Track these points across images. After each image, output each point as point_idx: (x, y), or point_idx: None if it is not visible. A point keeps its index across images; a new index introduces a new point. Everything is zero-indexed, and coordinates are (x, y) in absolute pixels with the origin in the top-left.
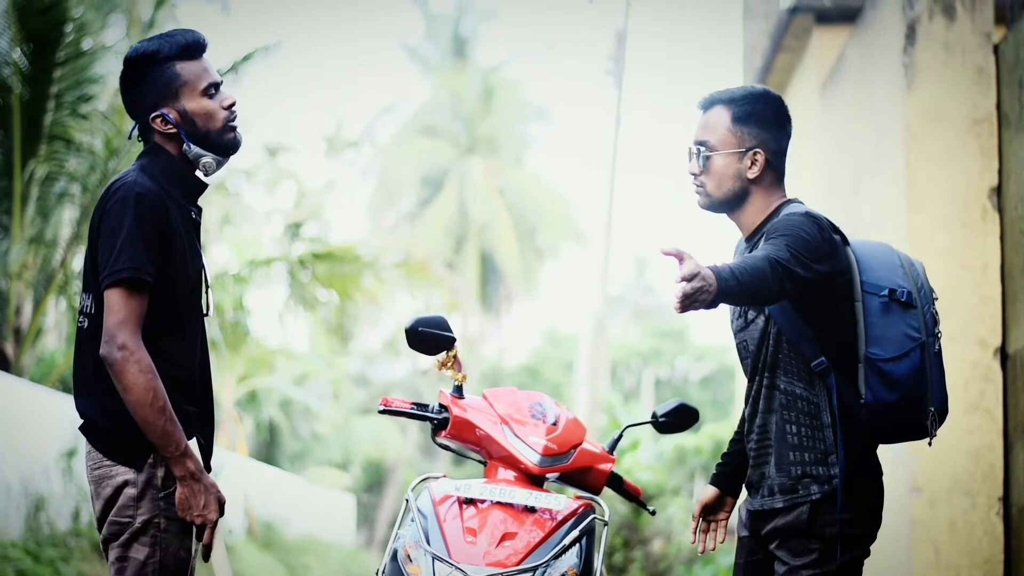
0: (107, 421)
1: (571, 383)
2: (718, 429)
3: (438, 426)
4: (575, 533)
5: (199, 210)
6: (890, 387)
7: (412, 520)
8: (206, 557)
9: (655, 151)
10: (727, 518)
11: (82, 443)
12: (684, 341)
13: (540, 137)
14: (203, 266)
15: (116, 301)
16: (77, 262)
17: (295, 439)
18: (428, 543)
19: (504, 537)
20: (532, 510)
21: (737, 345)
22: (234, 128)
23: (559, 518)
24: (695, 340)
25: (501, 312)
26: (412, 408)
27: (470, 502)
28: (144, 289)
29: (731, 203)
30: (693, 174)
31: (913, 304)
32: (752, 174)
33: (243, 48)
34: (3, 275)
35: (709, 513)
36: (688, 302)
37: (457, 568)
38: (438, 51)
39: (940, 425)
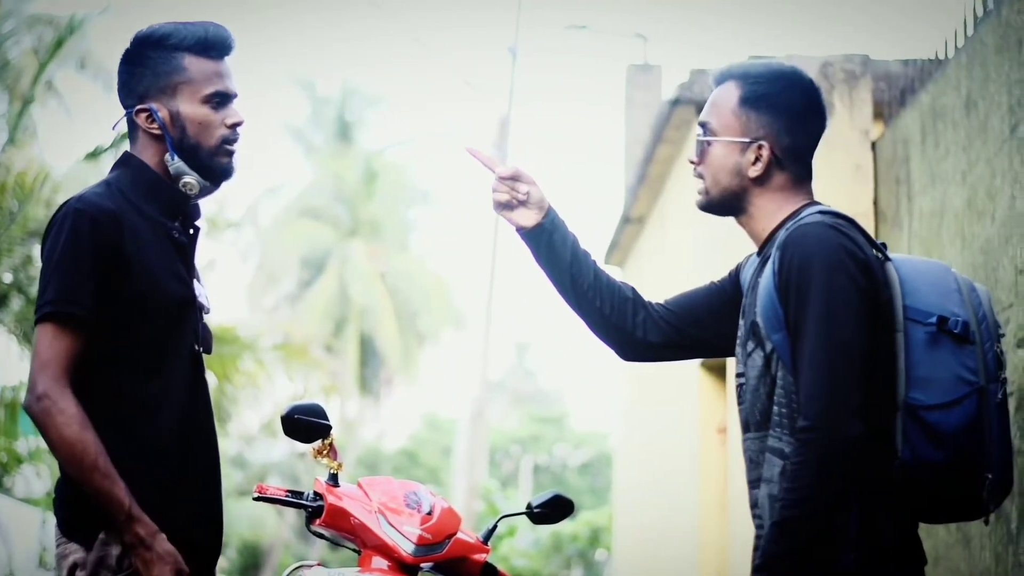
0: (61, 492)
1: (449, 468)
2: (595, 516)
3: (312, 514)
4: None
5: (188, 229)
6: (936, 443)
7: None
8: None
9: None
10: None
11: None
12: (563, 427)
13: (424, 221)
14: (195, 295)
15: (40, 341)
16: None
17: None
18: None
19: None
20: None
21: (736, 387)
22: (230, 152)
23: None
24: (574, 426)
25: (380, 395)
26: (287, 496)
27: None
28: (75, 324)
29: (730, 205)
30: (692, 163)
31: (970, 338)
32: (753, 172)
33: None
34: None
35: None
36: None
37: None
38: (322, 134)
39: (1004, 498)
